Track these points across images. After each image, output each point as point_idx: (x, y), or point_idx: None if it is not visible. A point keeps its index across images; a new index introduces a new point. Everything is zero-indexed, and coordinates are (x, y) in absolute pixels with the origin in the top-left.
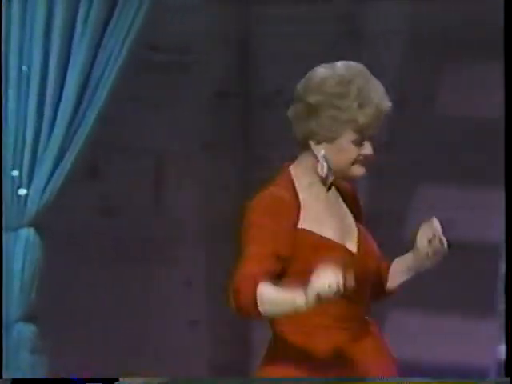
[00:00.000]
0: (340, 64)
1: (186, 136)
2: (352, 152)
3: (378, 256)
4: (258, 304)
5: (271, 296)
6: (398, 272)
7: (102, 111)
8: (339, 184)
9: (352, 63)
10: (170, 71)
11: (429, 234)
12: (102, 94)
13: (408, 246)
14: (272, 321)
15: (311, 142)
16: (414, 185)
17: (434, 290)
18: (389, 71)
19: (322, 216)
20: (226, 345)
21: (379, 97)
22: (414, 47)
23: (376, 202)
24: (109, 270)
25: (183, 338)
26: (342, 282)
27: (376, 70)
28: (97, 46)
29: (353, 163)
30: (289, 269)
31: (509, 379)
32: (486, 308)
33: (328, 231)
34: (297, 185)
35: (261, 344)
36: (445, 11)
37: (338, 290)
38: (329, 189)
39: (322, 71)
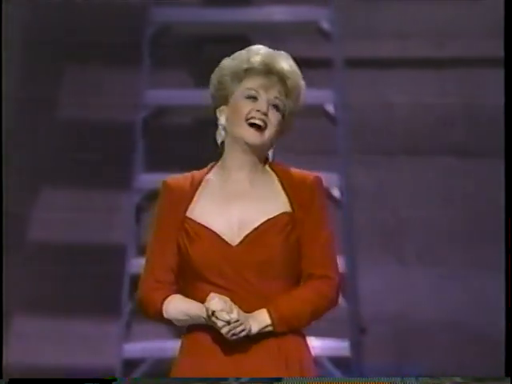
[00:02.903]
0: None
1: None
2: (245, 106)
3: (282, 252)
4: (164, 315)
5: (176, 311)
6: None
7: None
8: (280, 174)
9: None
10: None
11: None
12: None
13: None
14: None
15: (217, 111)
16: (38, 186)
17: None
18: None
19: (215, 206)
20: None
21: (268, 54)
22: (30, 48)
23: None
24: None
25: None
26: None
27: None
28: None
29: (247, 120)
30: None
31: (509, 379)
32: (111, 309)
33: (212, 221)
34: (214, 169)
35: None
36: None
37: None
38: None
39: None
